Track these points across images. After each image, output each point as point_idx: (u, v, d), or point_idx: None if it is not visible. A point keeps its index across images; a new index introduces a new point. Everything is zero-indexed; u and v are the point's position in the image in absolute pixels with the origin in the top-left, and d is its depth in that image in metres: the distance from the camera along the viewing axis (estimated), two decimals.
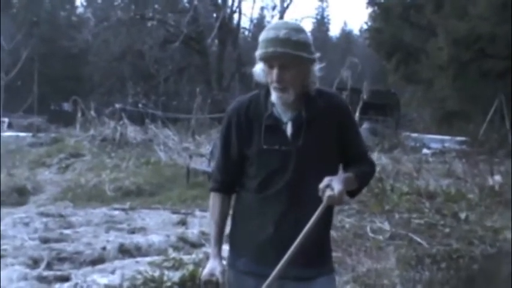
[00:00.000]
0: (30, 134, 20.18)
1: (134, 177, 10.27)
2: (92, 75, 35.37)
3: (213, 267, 2.41)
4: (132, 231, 6.64)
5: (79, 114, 19.00)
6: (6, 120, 26.36)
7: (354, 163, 2.46)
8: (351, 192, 2.41)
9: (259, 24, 41.22)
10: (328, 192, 2.21)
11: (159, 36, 30.38)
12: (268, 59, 2.30)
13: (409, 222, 7.26)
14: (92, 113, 17.92)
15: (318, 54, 2.37)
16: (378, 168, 10.66)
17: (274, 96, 2.34)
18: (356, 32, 63.84)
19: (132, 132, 15.82)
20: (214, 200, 2.53)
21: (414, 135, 20.20)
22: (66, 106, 18.55)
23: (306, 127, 2.35)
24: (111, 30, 30.72)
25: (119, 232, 6.50)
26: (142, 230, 6.71)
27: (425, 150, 16.50)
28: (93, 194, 9.28)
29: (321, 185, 2.22)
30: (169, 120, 20.13)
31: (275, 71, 2.28)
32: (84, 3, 48.32)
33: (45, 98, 35.91)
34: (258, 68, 2.39)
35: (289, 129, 2.37)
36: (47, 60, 39.14)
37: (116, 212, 7.77)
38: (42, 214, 7.26)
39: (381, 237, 6.54)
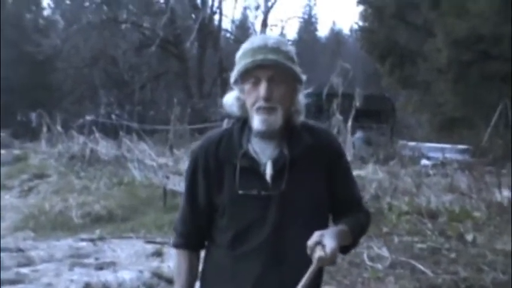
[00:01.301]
0: None
1: (105, 201, 9.99)
2: (61, 83, 35.02)
3: None
4: (101, 267, 6.37)
5: (44, 129, 18.68)
6: None
7: (346, 213, 2.23)
8: (344, 248, 2.15)
9: (241, 25, 41.17)
10: (318, 252, 1.95)
11: (134, 40, 30.27)
12: (253, 71, 2.06)
13: (411, 246, 7.11)
14: (59, 127, 17.58)
15: (304, 77, 2.16)
16: (373, 184, 10.56)
17: (257, 122, 2.08)
18: (346, 31, 64.18)
19: (104, 147, 15.54)
20: (179, 258, 2.29)
21: (411, 143, 20.14)
22: (34, 117, 18.23)
23: (290, 168, 2.11)
24: (81, 33, 30.51)
25: (85, 268, 6.24)
26: (112, 264, 6.45)
27: (424, 161, 16.38)
28: (58, 222, 8.97)
29: (310, 242, 1.97)
30: (146, 132, 19.87)
31: (263, 85, 2.06)
32: (52, 5, 47.97)
33: (9, 108, 35.49)
34: (231, 98, 2.17)
35: (268, 170, 2.11)
36: (12, 66, 38.73)
37: (83, 244, 7.48)
38: None
39: (379, 266, 6.36)
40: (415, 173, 12.58)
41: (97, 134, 16.34)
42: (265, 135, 2.12)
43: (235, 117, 2.21)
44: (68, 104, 32.92)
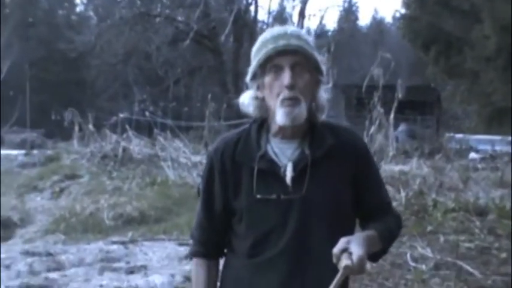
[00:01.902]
0: (23, 152, 20.10)
1: (137, 202, 10.01)
2: (94, 81, 35.48)
3: None
4: (131, 271, 6.37)
5: (76, 128, 18.87)
6: None
7: (375, 217, 2.14)
8: (373, 256, 2.06)
9: (279, 16, 40.92)
10: (345, 261, 1.86)
11: (167, 35, 30.30)
12: (275, 59, 1.99)
13: (457, 246, 6.94)
14: (90, 126, 17.73)
15: (325, 68, 2.09)
16: (417, 180, 10.43)
17: (280, 116, 1.99)
18: (389, 19, 63.50)
19: (137, 146, 15.59)
20: (197, 268, 2.23)
21: (459, 136, 19.85)
22: (66, 116, 18.43)
23: (312, 169, 2.03)
24: (114, 29, 30.76)
25: (115, 273, 6.23)
26: (143, 268, 6.43)
27: (472, 155, 16.13)
28: (90, 224, 9.03)
29: (336, 250, 1.88)
30: (181, 129, 19.93)
31: (286, 73, 1.98)
32: (85, 1, 48.63)
33: (43, 107, 36.11)
34: (247, 97, 2.10)
35: (289, 172, 2.03)
36: (45, 65, 39.41)
37: (114, 247, 7.49)
38: (27, 253, 7.01)
39: (423, 267, 6.21)
40: (462, 167, 12.42)
41: (130, 132, 16.41)
42: (287, 133, 2.05)
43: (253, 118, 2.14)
44: (101, 101, 33.31)
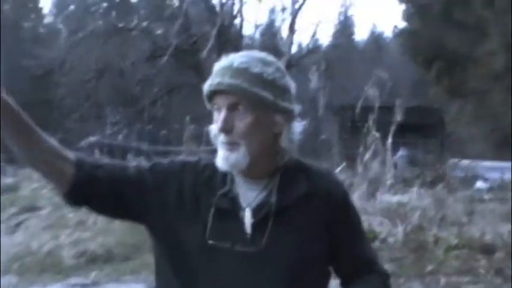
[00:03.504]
0: None
1: (103, 237, 9.77)
2: (62, 99, 35.31)
3: None
4: None
5: None
6: None
7: (356, 278, 2.03)
8: None
9: (267, 30, 41.09)
10: None
11: (144, 50, 30.26)
12: (214, 97, 1.93)
13: None
14: None
15: (298, 107, 1.97)
16: (417, 213, 10.40)
17: (219, 159, 1.91)
18: (388, 33, 63.91)
19: None
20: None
21: (464, 162, 19.81)
22: None
23: (276, 219, 1.90)
24: (86, 43, 30.66)
25: None
26: None
27: (479, 184, 16.08)
28: (48, 263, 8.73)
29: None
30: (158, 154, 19.78)
31: (221, 115, 1.90)
32: (54, 12, 48.69)
33: None
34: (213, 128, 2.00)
35: (247, 219, 1.91)
36: (8, 82, 39.25)
37: None
38: None
39: None
40: (467, 198, 12.37)
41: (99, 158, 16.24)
42: (249, 172, 1.93)
43: None
44: (70, 123, 33.10)
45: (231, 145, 1.88)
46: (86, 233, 10.11)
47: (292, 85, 1.98)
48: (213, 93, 1.92)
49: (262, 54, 2.00)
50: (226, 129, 1.88)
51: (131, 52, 29.81)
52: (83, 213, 11.85)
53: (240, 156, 1.88)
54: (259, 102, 1.89)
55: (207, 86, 1.93)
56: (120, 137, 20.55)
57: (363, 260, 2.07)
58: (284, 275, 1.89)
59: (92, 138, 20.56)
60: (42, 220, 11.68)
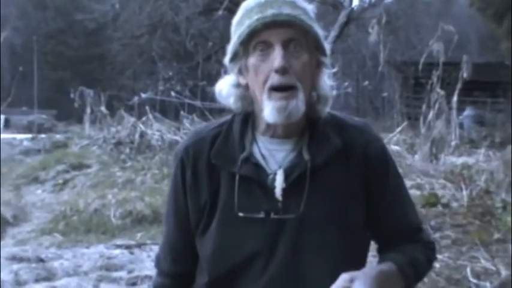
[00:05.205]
0: (29, 136, 20.26)
1: (150, 197, 9.77)
2: (115, 55, 35.72)
3: None
4: (133, 282, 6.14)
5: (88, 110, 18.88)
6: (2, 118, 26.62)
7: (396, 245, 1.88)
8: None
9: None
10: None
11: (198, 4, 30.20)
12: (262, 33, 1.71)
13: None
14: (102, 108, 17.69)
15: (328, 47, 1.81)
16: (484, 176, 10.10)
17: (269, 112, 1.73)
18: None
19: (158, 131, 15.47)
20: None
21: None
22: (77, 95, 18.47)
23: (311, 180, 1.76)
24: None
25: (114, 284, 6.01)
26: (148, 279, 6.17)
27: None
28: (93, 223, 8.78)
29: None
30: (212, 111, 19.77)
31: (277, 51, 1.70)
32: None
33: (60, 85, 36.57)
34: (227, 84, 1.83)
35: (279, 183, 1.76)
36: (62, 38, 39.84)
37: (117, 252, 7.22)
38: (14, 258, 6.78)
39: (487, 285, 5.88)
40: None
41: (150, 115, 16.31)
42: (278, 131, 1.80)
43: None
44: (124, 79, 33.50)
45: (289, 89, 1.71)
46: (133, 193, 10.16)
47: None
48: (257, 31, 1.71)
49: None
50: (284, 68, 1.69)
51: (185, 6, 29.80)
52: (131, 172, 11.98)
53: (300, 102, 1.72)
54: (313, 39, 1.75)
55: (254, 21, 1.70)
56: (172, 94, 20.56)
57: (404, 225, 1.92)
58: (325, 241, 1.77)
59: (143, 95, 20.66)
60: (90, 178, 11.85)
